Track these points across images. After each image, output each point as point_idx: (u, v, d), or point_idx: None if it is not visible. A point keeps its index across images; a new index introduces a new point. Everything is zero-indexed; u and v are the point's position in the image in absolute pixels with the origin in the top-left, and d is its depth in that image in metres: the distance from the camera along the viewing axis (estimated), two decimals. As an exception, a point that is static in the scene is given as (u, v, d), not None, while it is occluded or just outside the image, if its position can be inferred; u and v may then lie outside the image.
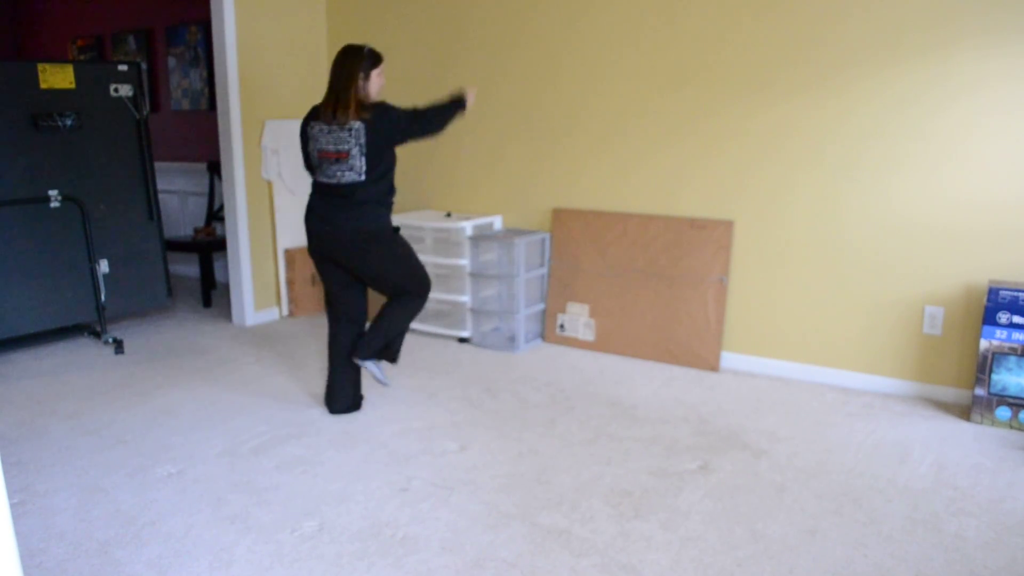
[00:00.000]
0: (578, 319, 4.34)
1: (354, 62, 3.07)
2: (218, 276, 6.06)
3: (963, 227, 3.38)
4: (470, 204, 4.79)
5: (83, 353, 4.30)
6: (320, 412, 3.40)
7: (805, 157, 3.68)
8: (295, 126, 4.89)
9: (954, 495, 2.64)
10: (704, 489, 2.68)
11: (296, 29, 4.93)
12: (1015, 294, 3.15)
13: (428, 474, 2.80)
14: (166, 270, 4.86)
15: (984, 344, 3.23)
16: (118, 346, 4.30)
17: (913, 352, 3.56)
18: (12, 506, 2.60)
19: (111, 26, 6.63)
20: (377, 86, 3.14)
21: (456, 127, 4.72)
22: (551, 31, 4.30)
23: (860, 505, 2.57)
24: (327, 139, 3.07)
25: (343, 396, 3.37)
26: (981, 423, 3.26)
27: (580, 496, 2.63)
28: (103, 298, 4.52)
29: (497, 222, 4.64)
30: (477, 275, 4.36)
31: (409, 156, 4.95)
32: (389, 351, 3.37)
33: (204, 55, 5.94)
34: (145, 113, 4.67)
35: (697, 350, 3.99)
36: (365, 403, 3.49)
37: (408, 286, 3.28)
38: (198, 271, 5.85)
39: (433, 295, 4.51)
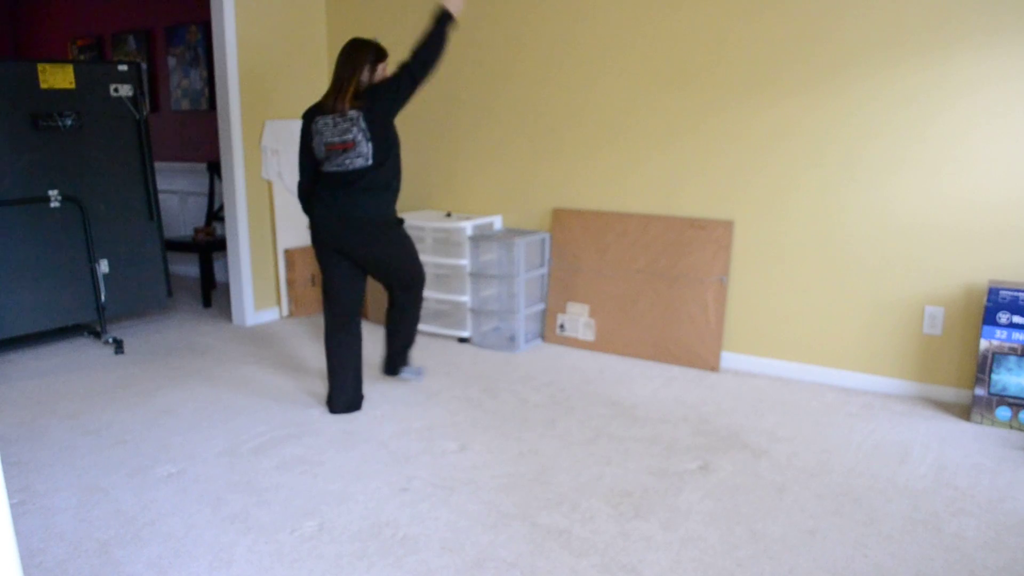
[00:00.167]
0: (578, 319, 4.34)
1: (361, 54, 3.16)
2: (218, 276, 6.06)
3: (963, 227, 3.38)
4: (470, 204, 4.79)
5: (83, 353, 4.30)
6: (320, 412, 3.40)
7: (805, 157, 3.68)
8: (295, 126, 4.89)
9: (954, 495, 2.64)
10: (704, 489, 2.68)
11: (296, 29, 4.94)
12: (1015, 294, 3.15)
13: (428, 474, 2.80)
14: (166, 270, 4.86)
15: (984, 344, 3.23)
16: (118, 346, 4.30)
17: (913, 352, 3.56)
18: (12, 506, 2.60)
19: (111, 26, 6.63)
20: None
21: (457, 127, 4.73)
22: (551, 31, 4.30)
23: (860, 505, 2.57)
24: (332, 132, 3.12)
25: (343, 395, 3.37)
26: (981, 423, 3.26)
27: (580, 496, 2.63)
28: (103, 298, 4.52)
29: (497, 222, 4.64)
30: (477, 275, 4.36)
31: (410, 156, 4.96)
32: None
33: (204, 55, 5.94)
34: (145, 113, 4.67)
35: (697, 350, 3.99)
36: (365, 403, 3.49)
37: (410, 275, 3.38)
38: (198, 271, 5.86)
39: (433, 295, 4.52)
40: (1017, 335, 3.17)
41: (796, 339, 3.83)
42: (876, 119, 3.49)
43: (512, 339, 4.30)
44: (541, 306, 4.45)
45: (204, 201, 6.07)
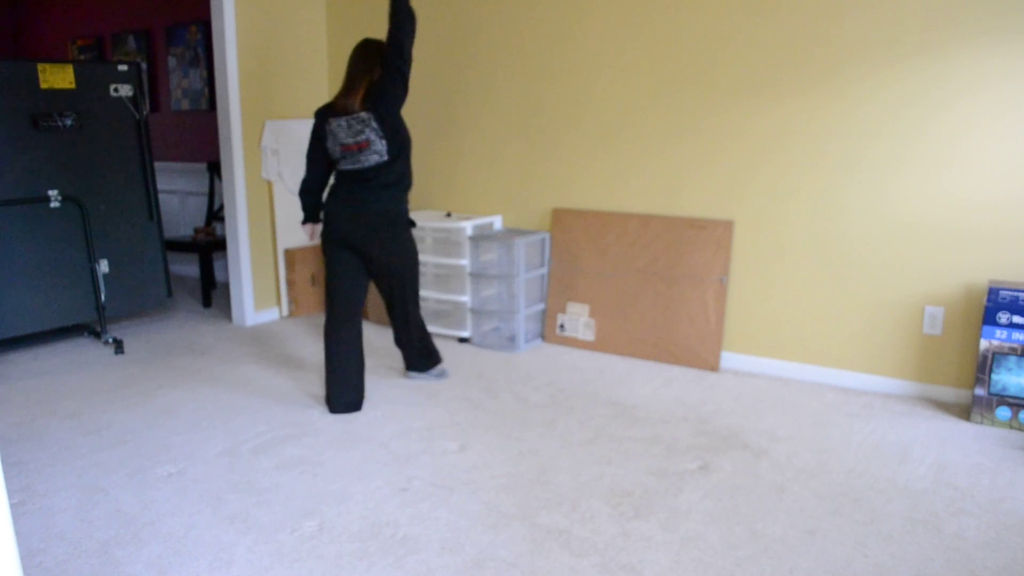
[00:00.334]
0: (578, 319, 4.34)
1: (373, 55, 3.23)
2: (218, 276, 6.06)
3: (963, 227, 3.38)
4: (470, 204, 4.79)
5: (83, 353, 4.30)
6: (320, 412, 3.40)
7: (805, 157, 3.68)
8: (295, 126, 4.89)
9: (954, 495, 2.64)
10: (704, 489, 2.68)
11: (296, 29, 4.94)
12: (1015, 294, 3.15)
13: (428, 474, 2.80)
14: (166, 270, 4.86)
15: (984, 344, 3.23)
16: (118, 346, 4.30)
17: (913, 352, 3.56)
18: (12, 506, 2.60)
19: (111, 26, 6.63)
20: None
21: (457, 127, 4.73)
22: (551, 31, 4.30)
23: (860, 505, 2.57)
24: (346, 133, 3.21)
25: (343, 395, 3.37)
26: (981, 423, 3.26)
27: (580, 496, 2.63)
28: (103, 298, 4.53)
29: (497, 222, 4.64)
30: (477, 275, 4.36)
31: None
32: (431, 354, 3.73)
33: (204, 55, 5.94)
34: (145, 113, 4.67)
35: (697, 350, 3.99)
36: (365, 403, 3.49)
37: (409, 288, 3.45)
38: (198, 271, 5.86)
39: (433, 295, 4.52)
40: (1017, 335, 3.17)
41: (796, 339, 3.83)
42: (876, 119, 3.49)
43: (512, 339, 4.30)
44: (541, 306, 4.45)
45: (204, 201, 6.07)
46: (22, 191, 4.18)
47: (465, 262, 4.37)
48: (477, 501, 2.60)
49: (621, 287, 4.19)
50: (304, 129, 4.95)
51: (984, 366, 3.24)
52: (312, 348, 4.35)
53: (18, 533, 2.43)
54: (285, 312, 5.04)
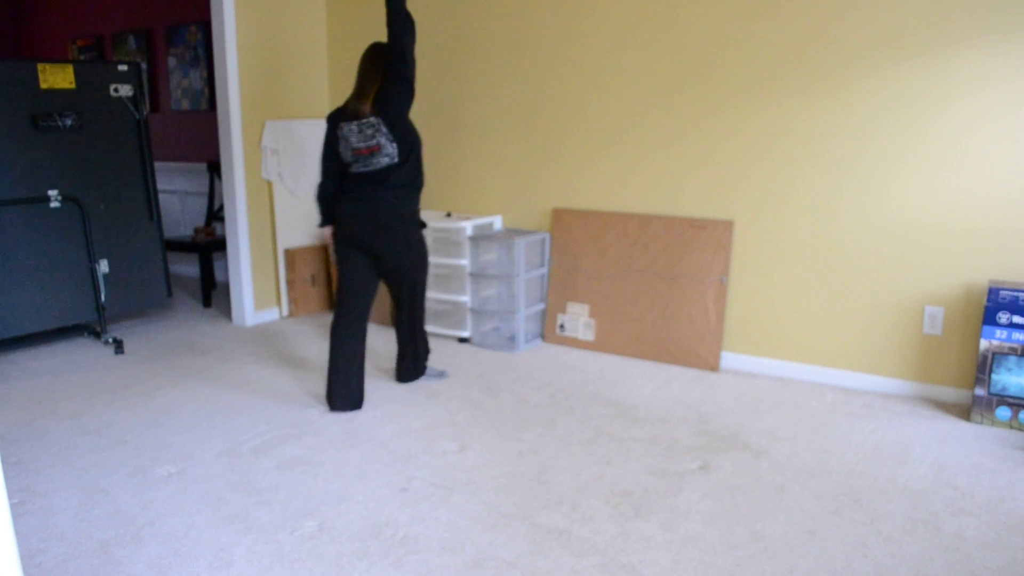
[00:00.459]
0: (578, 319, 4.34)
1: (382, 59, 3.29)
2: (218, 276, 6.06)
3: (963, 227, 3.38)
4: (470, 204, 4.79)
5: (83, 353, 4.30)
6: (320, 412, 3.40)
7: (805, 157, 3.68)
8: (295, 126, 4.89)
9: (954, 495, 2.64)
10: (704, 489, 2.68)
11: (296, 29, 4.94)
12: (1015, 294, 3.15)
13: (428, 474, 2.80)
14: (166, 270, 4.86)
15: (984, 344, 3.23)
16: (118, 346, 4.30)
17: (913, 352, 3.56)
18: (12, 506, 2.60)
19: (111, 26, 6.63)
20: None
21: (457, 127, 4.73)
22: (551, 31, 4.30)
23: (860, 505, 2.57)
24: (358, 138, 3.26)
25: (344, 394, 3.37)
26: (981, 423, 3.26)
27: (580, 496, 2.63)
28: (103, 298, 4.52)
29: (497, 222, 4.64)
30: (477, 275, 4.36)
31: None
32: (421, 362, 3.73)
33: (204, 55, 5.94)
34: (145, 113, 4.67)
35: (697, 350, 3.99)
36: (365, 403, 3.49)
37: (418, 288, 3.49)
38: (198, 271, 5.86)
39: (433, 295, 4.52)
40: (1017, 335, 3.17)
41: (796, 339, 3.83)
42: (876, 119, 3.49)
43: (512, 339, 4.30)
44: (541, 306, 4.45)
45: (204, 201, 6.07)
46: (22, 191, 4.18)
47: (465, 262, 4.37)
48: (477, 501, 2.60)
49: (621, 287, 4.19)
50: (304, 129, 4.95)
51: (984, 366, 3.24)
52: (312, 348, 4.35)
53: (18, 533, 2.43)
54: (285, 312, 5.04)
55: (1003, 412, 3.22)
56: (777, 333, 3.87)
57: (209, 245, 5.27)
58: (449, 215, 4.69)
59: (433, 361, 4.10)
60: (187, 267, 6.47)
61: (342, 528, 2.44)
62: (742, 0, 3.72)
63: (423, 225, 3.46)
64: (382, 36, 4.86)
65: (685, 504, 2.58)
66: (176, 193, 6.36)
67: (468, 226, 4.36)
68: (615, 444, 3.05)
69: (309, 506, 2.58)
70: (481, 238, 4.31)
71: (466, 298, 4.42)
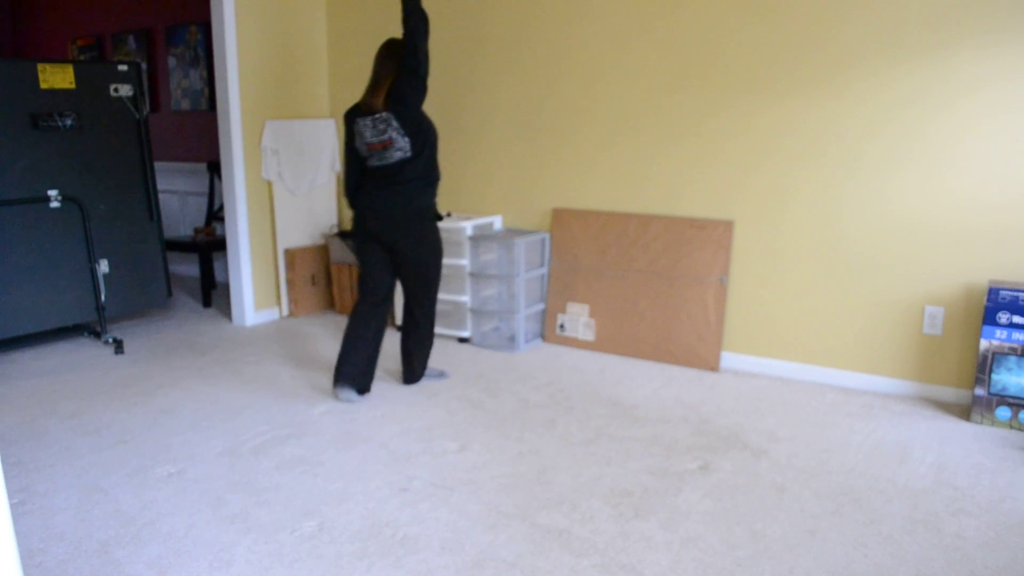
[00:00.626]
0: (578, 319, 4.34)
1: (395, 55, 3.31)
2: (218, 276, 6.06)
3: (963, 227, 3.38)
4: (470, 204, 4.79)
5: (83, 353, 4.30)
6: (320, 412, 3.40)
7: (805, 157, 3.68)
8: (295, 126, 4.89)
9: (954, 495, 2.64)
10: (704, 489, 2.68)
11: (296, 29, 4.94)
12: (1015, 294, 3.15)
13: (428, 474, 2.80)
14: (166, 270, 4.86)
15: (984, 344, 3.23)
16: (118, 346, 4.30)
17: (913, 352, 3.56)
18: (12, 506, 2.60)
19: (111, 26, 6.63)
20: None
21: (457, 127, 4.73)
22: (552, 32, 4.30)
23: (860, 505, 2.57)
24: (371, 132, 3.31)
25: (352, 369, 3.43)
26: (981, 423, 3.26)
27: (580, 496, 2.63)
28: (103, 298, 4.52)
29: (497, 222, 4.64)
30: (477, 275, 4.36)
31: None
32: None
33: (204, 55, 5.94)
34: (145, 113, 4.67)
35: (697, 350, 3.99)
36: (365, 403, 3.49)
37: (432, 280, 3.51)
38: (198, 271, 5.86)
39: (433, 295, 4.52)
40: (1017, 335, 3.17)
41: (796, 339, 3.83)
42: (876, 119, 3.49)
43: (512, 339, 4.30)
44: (541, 306, 4.45)
45: (204, 201, 6.07)
46: (22, 191, 4.18)
47: (465, 262, 4.37)
48: (477, 501, 2.60)
49: (621, 287, 4.19)
50: (304, 129, 4.95)
51: (984, 366, 3.24)
52: (312, 348, 4.35)
53: (18, 533, 2.43)
54: (285, 312, 5.04)
55: (1003, 412, 3.22)
56: (777, 333, 3.87)
57: (209, 245, 5.27)
58: (449, 215, 4.69)
59: (433, 361, 4.11)
60: (187, 267, 6.47)
61: (342, 528, 2.44)
62: (742, 0, 3.72)
63: (439, 217, 3.51)
64: (383, 36, 4.87)
65: (685, 504, 2.58)
66: (176, 193, 6.36)
67: (468, 226, 4.36)
68: (615, 444, 3.05)
69: (309, 506, 2.58)
70: (481, 238, 4.31)
71: (466, 298, 4.42)
